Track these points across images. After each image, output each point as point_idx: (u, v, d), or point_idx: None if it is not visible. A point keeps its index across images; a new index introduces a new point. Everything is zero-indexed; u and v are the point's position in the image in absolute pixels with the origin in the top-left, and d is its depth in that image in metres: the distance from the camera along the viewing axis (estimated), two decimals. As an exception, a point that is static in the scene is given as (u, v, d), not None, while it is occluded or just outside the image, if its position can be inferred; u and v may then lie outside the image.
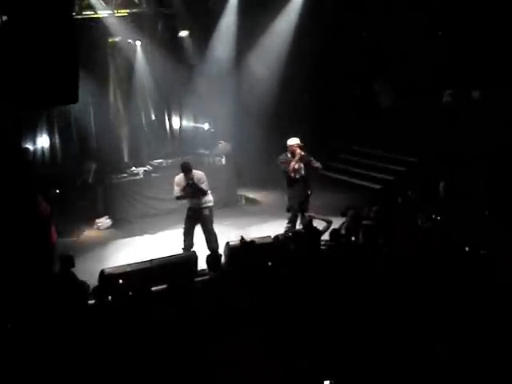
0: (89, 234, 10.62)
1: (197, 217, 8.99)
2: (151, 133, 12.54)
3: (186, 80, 12.25)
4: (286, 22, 12.74)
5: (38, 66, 5.67)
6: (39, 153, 11.29)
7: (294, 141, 9.42)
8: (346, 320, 5.33)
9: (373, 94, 14.52)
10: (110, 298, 6.05)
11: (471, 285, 5.90)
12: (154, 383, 4.87)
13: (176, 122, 13.15)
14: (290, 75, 12.76)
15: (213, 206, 9.12)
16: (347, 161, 13.96)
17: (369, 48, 13.81)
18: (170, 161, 11.65)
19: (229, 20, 12.34)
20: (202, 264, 8.00)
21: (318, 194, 10.00)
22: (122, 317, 5.58)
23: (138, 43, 11.91)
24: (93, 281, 6.88)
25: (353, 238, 7.78)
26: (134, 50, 11.96)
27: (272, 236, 8.27)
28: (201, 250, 8.61)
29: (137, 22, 11.60)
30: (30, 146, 10.98)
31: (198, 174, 8.95)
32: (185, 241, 8.97)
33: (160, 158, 11.82)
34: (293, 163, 9.28)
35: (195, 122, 13.33)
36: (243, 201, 12.11)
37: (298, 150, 9.30)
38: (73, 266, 6.82)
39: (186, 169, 8.89)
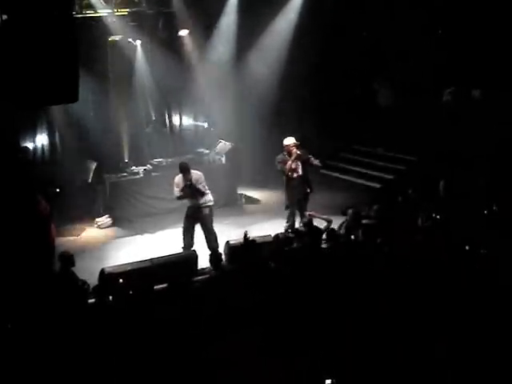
0: (89, 233, 10.61)
1: (196, 216, 9.00)
2: (151, 132, 12.52)
3: (186, 79, 12.23)
4: (286, 21, 12.75)
5: (37, 65, 5.65)
6: (39, 152, 11.31)
7: (289, 140, 9.45)
8: (347, 319, 5.34)
9: (373, 92, 14.53)
10: (110, 297, 6.05)
11: (471, 284, 5.91)
12: (155, 382, 4.87)
13: (176, 120, 13.15)
14: (290, 74, 12.74)
15: (213, 205, 9.13)
16: (347, 160, 13.98)
17: (369, 47, 13.80)
18: (170, 160, 11.60)
19: (229, 19, 12.33)
20: (202, 263, 8.04)
21: (318, 193, 10.04)
22: (122, 316, 5.58)
23: (138, 42, 11.91)
24: (93, 280, 6.89)
25: (352, 237, 7.79)
26: (134, 49, 11.95)
27: (272, 235, 8.28)
28: (201, 249, 8.63)
29: (137, 21, 11.59)
30: (29, 145, 11.00)
31: (196, 174, 8.95)
32: (184, 240, 8.97)
33: (160, 157, 11.79)
34: (289, 162, 9.32)
35: (195, 120, 13.34)
36: (243, 200, 12.08)
37: (295, 150, 9.34)
38: (73, 265, 6.81)
39: (184, 169, 8.89)
